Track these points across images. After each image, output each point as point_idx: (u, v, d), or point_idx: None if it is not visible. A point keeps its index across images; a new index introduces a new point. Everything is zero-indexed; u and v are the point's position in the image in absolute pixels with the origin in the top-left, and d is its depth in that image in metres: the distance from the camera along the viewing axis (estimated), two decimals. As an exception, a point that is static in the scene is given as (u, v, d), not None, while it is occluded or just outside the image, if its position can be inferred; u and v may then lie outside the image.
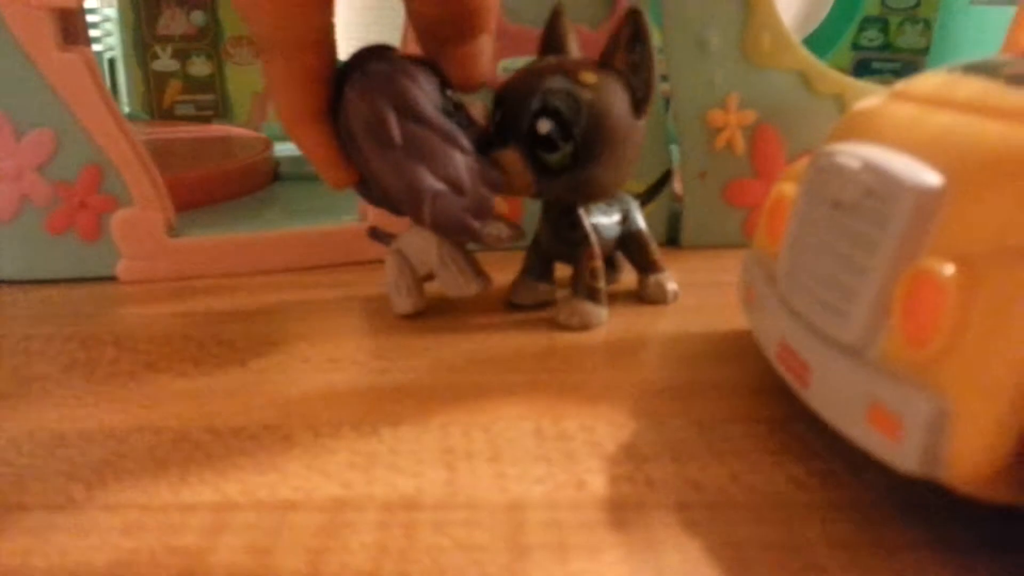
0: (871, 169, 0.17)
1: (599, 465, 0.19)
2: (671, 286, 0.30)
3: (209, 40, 0.58)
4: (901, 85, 0.21)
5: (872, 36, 0.62)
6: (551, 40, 0.27)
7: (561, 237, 0.28)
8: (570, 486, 0.18)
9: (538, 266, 0.29)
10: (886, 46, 0.62)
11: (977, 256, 0.15)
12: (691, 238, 0.37)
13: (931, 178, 0.16)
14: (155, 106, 0.58)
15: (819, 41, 0.63)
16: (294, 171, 0.48)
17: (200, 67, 0.58)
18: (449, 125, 0.23)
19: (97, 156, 0.31)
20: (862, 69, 0.62)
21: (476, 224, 0.23)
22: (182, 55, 0.57)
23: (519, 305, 0.29)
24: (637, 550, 0.16)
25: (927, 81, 0.20)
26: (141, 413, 0.22)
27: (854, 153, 0.18)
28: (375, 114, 0.22)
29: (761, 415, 0.21)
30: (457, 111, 0.24)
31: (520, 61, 0.38)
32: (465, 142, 0.23)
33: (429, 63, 0.24)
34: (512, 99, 0.25)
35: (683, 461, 0.19)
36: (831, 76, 0.36)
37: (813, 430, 0.20)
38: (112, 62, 0.58)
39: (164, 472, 0.19)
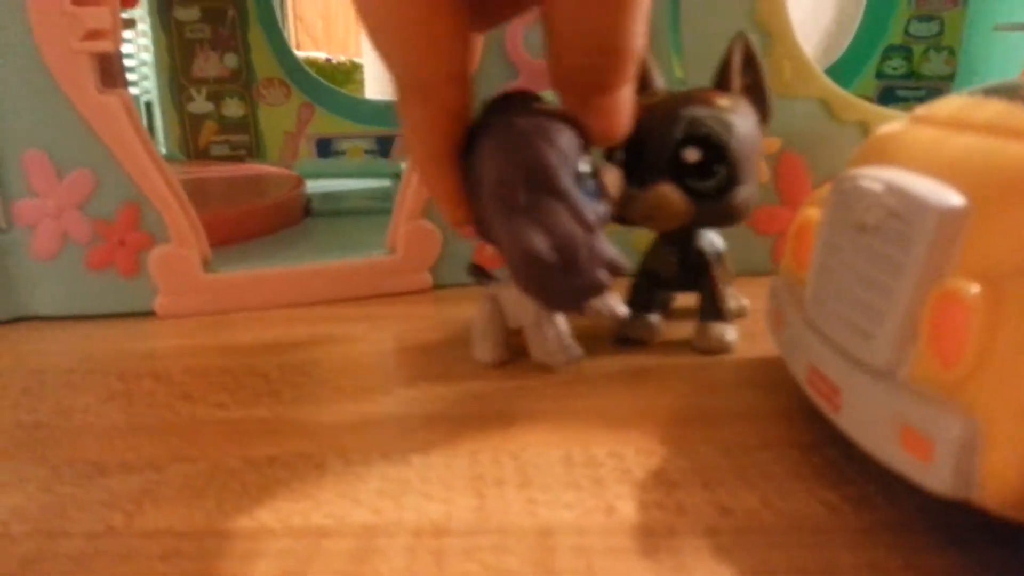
0: (894, 191, 0.18)
1: (629, 491, 0.19)
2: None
3: (242, 82, 0.59)
4: (922, 109, 0.21)
5: (896, 64, 0.62)
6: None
7: (685, 264, 0.28)
8: (599, 512, 0.18)
9: (646, 298, 0.29)
10: (911, 74, 0.62)
11: (1002, 275, 0.15)
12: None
13: (954, 199, 0.16)
14: (191, 147, 0.60)
15: (842, 70, 0.63)
16: (325, 207, 0.49)
17: (234, 108, 0.59)
18: (579, 198, 0.21)
19: (135, 195, 0.32)
20: (887, 97, 0.62)
21: (582, 304, 0.22)
22: (216, 97, 0.59)
23: (630, 339, 0.29)
24: None
25: (948, 104, 0.20)
26: (178, 443, 0.22)
27: (876, 176, 0.19)
28: (506, 177, 0.21)
29: (792, 440, 0.21)
30: (591, 178, 0.22)
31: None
32: (592, 218, 0.22)
33: (570, 118, 0.22)
34: (648, 134, 0.25)
35: (713, 487, 0.19)
36: (854, 103, 0.36)
37: (845, 455, 0.20)
38: (149, 105, 0.60)
39: (201, 500, 0.19)
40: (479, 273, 0.28)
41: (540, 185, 0.21)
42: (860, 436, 0.18)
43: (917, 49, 0.62)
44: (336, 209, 0.49)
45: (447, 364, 0.28)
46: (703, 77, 0.35)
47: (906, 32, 0.61)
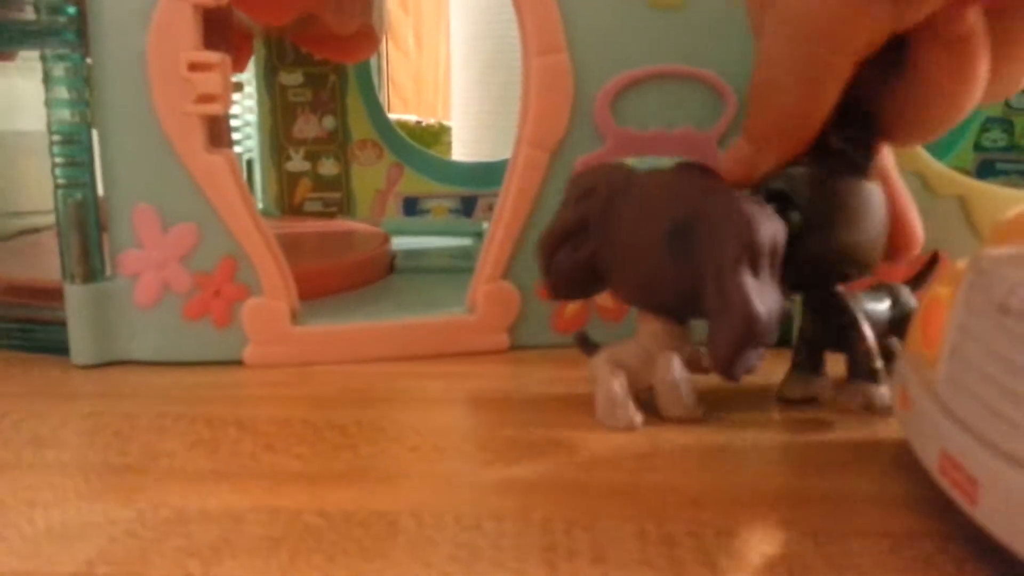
0: None
1: (707, 573, 0.19)
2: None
3: (338, 143, 0.62)
4: None
5: (995, 137, 0.60)
6: None
7: (829, 324, 0.28)
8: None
9: (807, 359, 0.29)
10: (1011, 147, 0.60)
11: None
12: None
13: None
14: (287, 203, 0.62)
15: (939, 143, 0.62)
16: (408, 264, 0.50)
17: (328, 167, 0.62)
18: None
19: (234, 248, 0.34)
20: (986, 170, 0.60)
21: (747, 372, 0.25)
22: (313, 156, 0.62)
23: (790, 399, 0.29)
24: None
25: None
26: (258, 493, 0.23)
27: (1020, 256, 0.18)
28: (757, 242, 0.24)
29: (885, 530, 0.20)
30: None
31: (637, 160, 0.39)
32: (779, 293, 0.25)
33: None
34: None
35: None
36: (952, 177, 0.35)
37: (943, 550, 0.19)
38: (250, 162, 0.63)
39: (276, 552, 0.19)
40: (587, 343, 0.29)
41: (770, 262, 0.24)
42: (1001, 531, 0.17)
43: (1019, 121, 0.59)
44: (419, 266, 0.50)
45: (521, 427, 0.27)
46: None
47: (1007, 104, 0.60)
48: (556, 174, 0.35)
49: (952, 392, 0.19)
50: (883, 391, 0.27)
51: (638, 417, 0.27)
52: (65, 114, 0.33)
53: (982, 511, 0.17)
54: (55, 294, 0.35)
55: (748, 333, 0.23)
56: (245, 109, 0.63)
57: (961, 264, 0.21)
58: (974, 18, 0.23)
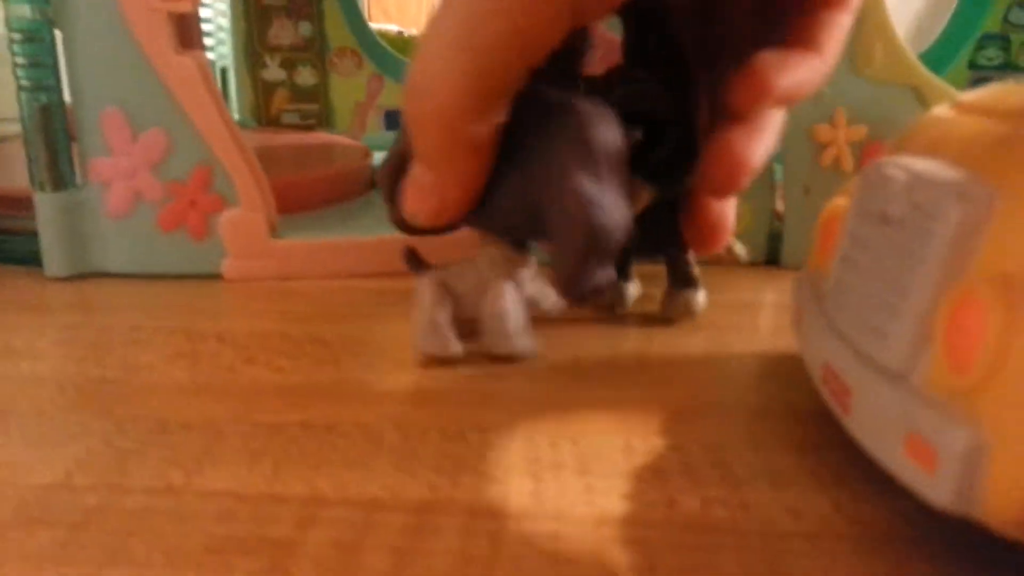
0: (919, 181, 0.16)
1: (691, 486, 0.19)
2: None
3: (315, 51, 0.59)
4: (969, 95, 0.19)
5: (992, 55, 0.59)
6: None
7: (652, 232, 0.27)
8: (660, 505, 0.18)
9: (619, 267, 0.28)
10: (1007, 65, 0.59)
11: None
12: (792, 258, 0.36)
13: (978, 192, 0.15)
14: (263, 114, 0.60)
15: (933, 59, 0.60)
16: (390, 179, 0.49)
17: (306, 77, 0.60)
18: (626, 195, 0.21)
19: (208, 157, 0.32)
20: (980, 89, 0.59)
21: (598, 294, 0.21)
22: (289, 65, 0.60)
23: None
24: (731, 576, 0.15)
25: (992, 92, 0.19)
26: (239, 406, 0.22)
27: (903, 165, 0.17)
28: (600, 148, 0.20)
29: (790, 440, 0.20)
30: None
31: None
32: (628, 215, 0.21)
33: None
34: None
35: (781, 487, 0.18)
36: (950, 93, 0.34)
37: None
38: (224, 71, 0.61)
39: (258, 464, 0.19)
40: (414, 260, 0.26)
41: (612, 168, 0.20)
42: (866, 440, 0.17)
43: (1016, 39, 0.58)
44: (402, 181, 0.49)
45: (508, 342, 0.27)
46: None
47: (1005, 20, 0.58)
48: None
49: (837, 305, 0.19)
50: (700, 297, 0.28)
51: (457, 346, 0.25)
52: (24, 10, 0.31)
53: (851, 420, 0.17)
54: (25, 203, 0.34)
55: (590, 245, 0.19)
56: (217, 13, 0.60)
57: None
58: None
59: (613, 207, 0.20)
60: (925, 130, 0.19)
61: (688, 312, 0.28)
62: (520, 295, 0.25)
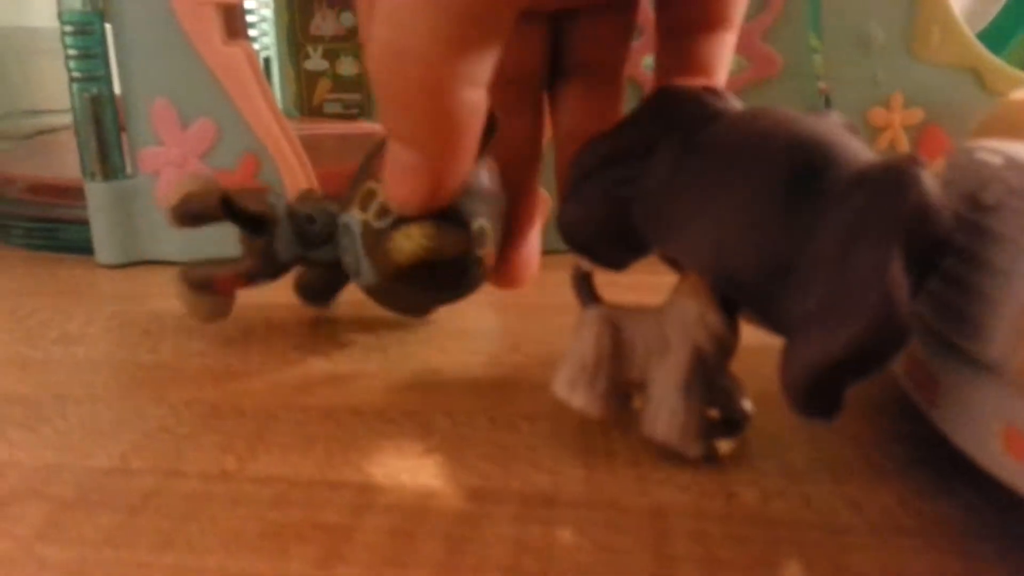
0: (1015, 166, 0.16)
1: (749, 477, 0.18)
2: None
3: (357, 41, 0.60)
4: None
5: (1052, 33, 0.57)
6: None
7: None
8: (718, 496, 0.17)
9: None
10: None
11: None
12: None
13: None
14: (305, 103, 0.61)
15: (990, 39, 0.58)
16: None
17: (348, 67, 0.60)
18: None
19: (255, 146, 0.33)
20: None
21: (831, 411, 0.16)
22: (331, 55, 0.60)
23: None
24: (793, 573, 0.15)
25: None
26: (290, 392, 0.22)
27: (996, 149, 0.17)
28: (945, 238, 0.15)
29: (930, 435, 0.20)
30: None
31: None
32: None
33: None
34: None
35: (843, 480, 0.18)
36: (1010, 74, 0.33)
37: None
38: (268, 61, 0.61)
39: (311, 449, 0.19)
40: (590, 291, 0.21)
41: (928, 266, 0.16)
42: (956, 433, 0.16)
43: (1078, 18, 0.56)
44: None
45: (551, 331, 0.27)
46: (843, 42, 0.33)
47: (1066, -2, 0.56)
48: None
49: (924, 293, 0.18)
50: None
51: (607, 407, 0.19)
52: (76, 2, 0.32)
53: (939, 414, 0.17)
54: (77, 193, 0.34)
55: (867, 351, 0.14)
56: (261, 3, 0.60)
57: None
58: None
59: (910, 320, 0.14)
60: (1010, 113, 0.19)
61: None
62: (704, 379, 0.19)
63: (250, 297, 0.30)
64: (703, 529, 0.16)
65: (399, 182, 0.19)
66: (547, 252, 0.35)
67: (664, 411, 0.18)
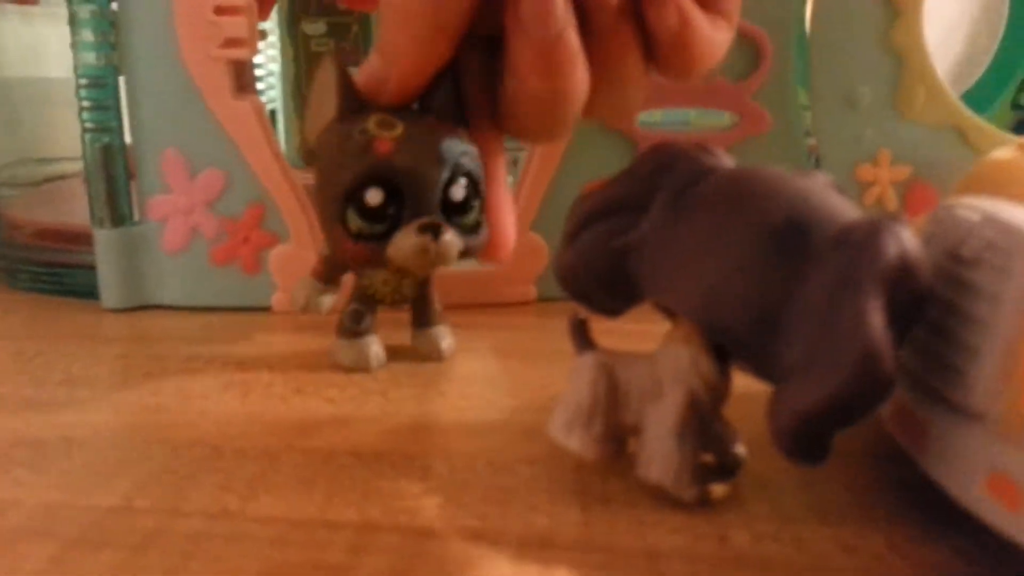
0: (992, 222, 0.16)
1: (742, 520, 0.18)
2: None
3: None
4: None
5: (1034, 95, 0.58)
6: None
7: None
8: (711, 539, 0.18)
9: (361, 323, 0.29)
10: (1051, 106, 0.58)
11: None
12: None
13: None
14: (308, 154, 0.62)
15: (975, 100, 0.60)
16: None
17: (351, 119, 0.61)
18: None
19: (261, 195, 0.34)
20: (1023, 130, 0.59)
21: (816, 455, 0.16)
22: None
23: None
24: (786, 610, 0.15)
25: None
26: (290, 434, 0.23)
27: (975, 206, 0.17)
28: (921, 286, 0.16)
29: (920, 480, 0.20)
30: None
31: (668, 111, 0.38)
32: None
33: None
34: (411, 174, 0.24)
35: (834, 524, 0.18)
36: (992, 133, 0.34)
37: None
38: (273, 112, 0.63)
39: (311, 491, 0.20)
40: (585, 337, 0.22)
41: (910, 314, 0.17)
42: (943, 478, 0.17)
43: (1059, 81, 0.58)
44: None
45: (548, 376, 0.27)
46: (831, 102, 0.34)
47: (1048, 61, 0.58)
48: (586, 127, 0.34)
49: (908, 344, 0.18)
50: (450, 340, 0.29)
51: (604, 449, 0.20)
52: (91, 57, 0.33)
53: (928, 459, 0.17)
54: (85, 239, 0.35)
55: (854, 401, 0.15)
56: (268, 59, 0.62)
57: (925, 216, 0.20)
58: (563, 24, 0.22)
59: (893, 371, 0.15)
60: (990, 172, 0.20)
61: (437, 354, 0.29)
62: (698, 424, 0.19)
63: (251, 341, 0.31)
64: (696, 571, 0.17)
65: (366, 80, 0.25)
66: (543, 299, 0.36)
67: (658, 455, 0.19)
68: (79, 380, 0.27)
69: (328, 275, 0.30)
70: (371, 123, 0.24)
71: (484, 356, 0.30)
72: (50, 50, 0.51)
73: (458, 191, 0.25)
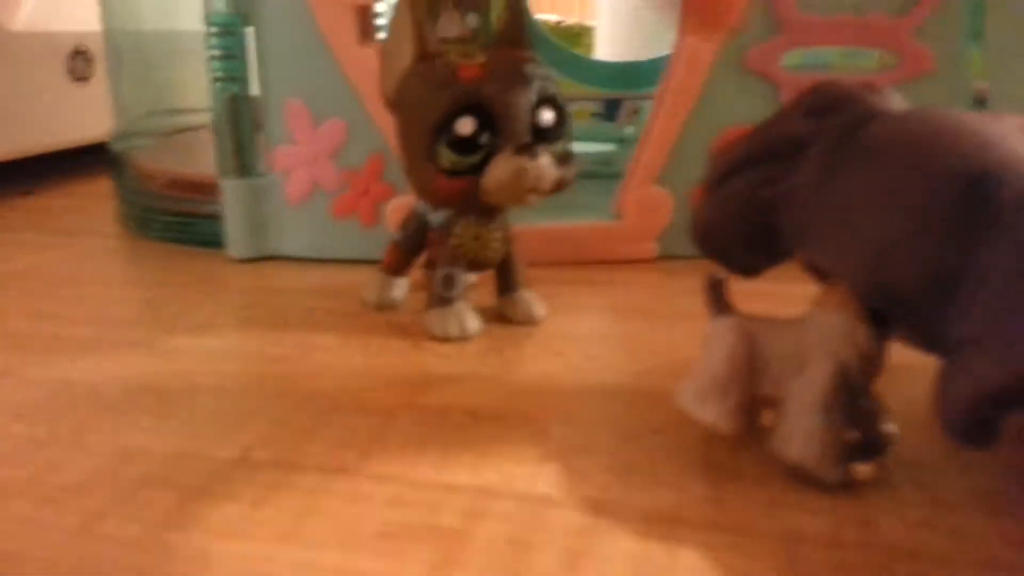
0: None
1: (891, 505, 0.17)
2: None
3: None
4: None
5: None
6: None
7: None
8: (856, 524, 0.16)
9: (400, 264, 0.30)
10: None
11: None
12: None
13: None
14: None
15: None
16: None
17: (470, 68, 0.60)
18: None
19: (382, 146, 0.33)
20: None
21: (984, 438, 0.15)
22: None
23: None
24: (946, 614, 0.14)
25: None
26: (408, 391, 0.23)
27: None
28: None
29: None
30: None
31: (810, 52, 0.35)
32: None
33: None
34: (501, 98, 0.24)
35: (998, 513, 0.16)
36: None
37: None
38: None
39: (427, 450, 0.19)
40: (722, 299, 0.20)
41: None
42: None
43: None
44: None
45: (672, 339, 0.26)
46: (1006, 41, 0.31)
47: None
48: (723, 69, 0.32)
49: None
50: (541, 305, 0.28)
51: (738, 421, 0.18)
52: (221, 5, 0.33)
53: None
54: (209, 188, 0.36)
55: None
56: (390, 6, 0.62)
57: None
58: None
59: None
60: None
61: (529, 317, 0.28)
62: (846, 399, 0.17)
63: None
64: (841, 560, 0.15)
65: None
66: (664, 257, 0.34)
67: (800, 431, 0.17)
68: (204, 328, 0.28)
69: (399, 264, 0.29)
70: (452, 54, 0.25)
71: (602, 315, 0.29)
72: (180, 2, 0.52)
73: (546, 115, 0.24)
